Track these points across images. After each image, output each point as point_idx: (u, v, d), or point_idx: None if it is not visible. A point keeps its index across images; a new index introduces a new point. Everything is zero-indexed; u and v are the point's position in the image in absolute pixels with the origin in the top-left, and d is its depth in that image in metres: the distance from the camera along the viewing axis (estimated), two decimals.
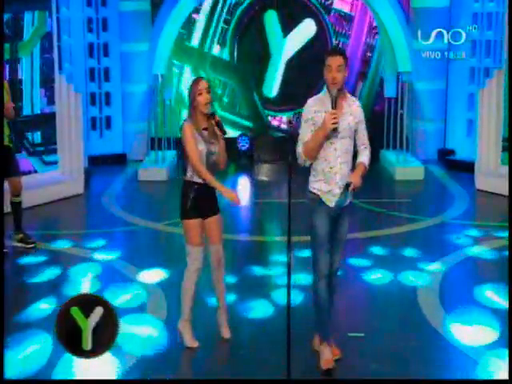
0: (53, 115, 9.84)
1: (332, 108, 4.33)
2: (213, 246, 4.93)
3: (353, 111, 4.47)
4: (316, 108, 4.44)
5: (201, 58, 12.67)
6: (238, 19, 12.54)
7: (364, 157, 4.57)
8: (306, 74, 12.29)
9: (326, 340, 4.59)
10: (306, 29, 12.49)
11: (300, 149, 4.43)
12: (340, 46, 12.21)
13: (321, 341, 4.62)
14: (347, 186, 4.38)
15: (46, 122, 9.78)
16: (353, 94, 11.75)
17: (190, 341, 4.86)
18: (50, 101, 9.82)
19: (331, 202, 4.46)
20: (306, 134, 4.44)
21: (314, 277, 4.54)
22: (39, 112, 9.68)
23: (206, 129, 4.78)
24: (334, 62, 4.32)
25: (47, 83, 9.78)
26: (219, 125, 4.76)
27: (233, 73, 12.68)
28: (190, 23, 12.49)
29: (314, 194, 4.48)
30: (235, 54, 12.70)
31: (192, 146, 4.70)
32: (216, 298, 5.06)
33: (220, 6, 12.53)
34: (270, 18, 12.54)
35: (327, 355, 4.55)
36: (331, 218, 4.48)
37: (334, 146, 4.41)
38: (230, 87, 12.70)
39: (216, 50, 12.69)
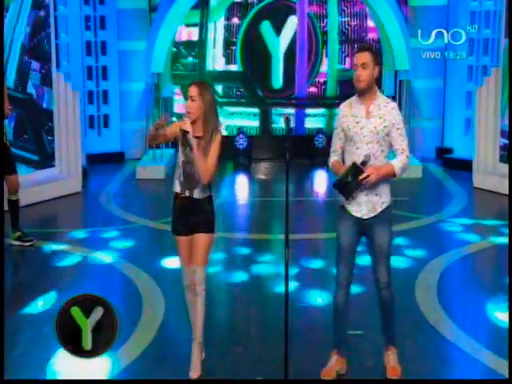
0: (27, 101, 9.24)
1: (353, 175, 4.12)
2: (191, 267, 4.45)
3: (383, 114, 4.21)
4: (344, 113, 4.30)
5: (216, 76, 12.98)
6: (241, 38, 12.88)
7: (396, 160, 4.23)
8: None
9: (335, 348, 4.49)
10: (291, 24, 12.86)
11: (329, 160, 4.35)
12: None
13: (333, 347, 4.51)
14: (357, 169, 4.10)
15: (21, 106, 9.05)
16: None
17: (192, 366, 4.44)
18: (33, 81, 9.27)
19: (355, 211, 4.26)
20: (335, 142, 4.34)
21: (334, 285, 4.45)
22: (12, 86, 8.83)
23: (198, 137, 4.35)
24: (359, 59, 4.16)
25: (35, 56, 9.28)
26: (185, 133, 4.30)
27: (243, 78, 13.01)
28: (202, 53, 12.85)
29: (342, 200, 4.31)
30: (244, 64, 12.93)
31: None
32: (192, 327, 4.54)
33: (223, 31, 12.92)
34: (266, 28, 12.86)
35: (329, 364, 4.45)
36: (358, 229, 4.28)
37: (360, 151, 4.20)
38: (241, 89, 13.08)
39: (228, 67, 13.02)
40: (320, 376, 4.42)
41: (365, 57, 4.16)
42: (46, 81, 9.67)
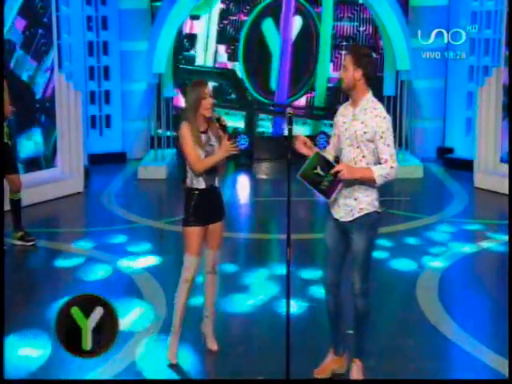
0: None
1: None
2: (210, 251, 4.73)
3: (365, 119, 4.10)
4: (339, 111, 4.32)
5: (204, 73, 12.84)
6: (244, 36, 12.75)
7: (378, 166, 4.08)
8: (301, 63, 12.67)
9: (332, 347, 4.50)
10: (295, 24, 12.75)
11: None
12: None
13: (330, 346, 4.53)
14: (323, 159, 4.08)
15: None
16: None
17: (170, 355, 4.64)
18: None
19: (335, 213, 4.25)
20: (332, 137, 4.38)
21: None
22: None
23: (204, 132, 4.60)
24: (344, 61, 4.17)
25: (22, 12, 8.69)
26: (223, 127, 4.60)
27: (233, 78, 12.86)
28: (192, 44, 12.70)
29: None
30: (247, 64, 12.82)
31: (190, 145, 4.52)
32: (204, 305, 4.79)
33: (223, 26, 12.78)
34: (268, 26, 12.76)
35: (324, 363, 4.47)
36: (341, 230, 4.26)
37: (344, 152, 4.19)
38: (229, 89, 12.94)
39: (230, 65, 12.89)
40: (313, 375, 4.42)
41: (345, 60, 4.15)
42: (29, 48, 9.08)
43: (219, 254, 4.78)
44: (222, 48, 12.83)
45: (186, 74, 12.64)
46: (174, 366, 4.59)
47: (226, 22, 12.76)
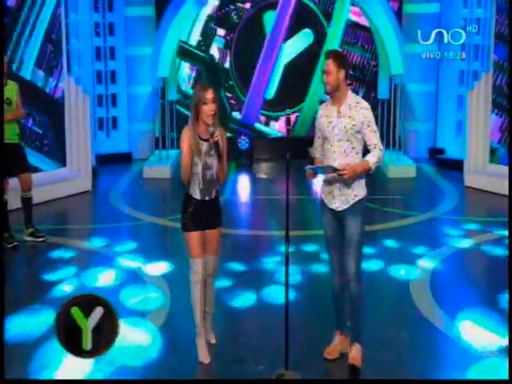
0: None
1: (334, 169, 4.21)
2: (208, 257, 4.58)
3: (352, 114, 4.27)
4: (321, 113, 4.43)
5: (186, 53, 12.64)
6: (241, 25, 12.52)
7: (370, 155, 4.29)
8: (302, 77, 12.47)
9: (338, 328, 4.59)
10: (304, 38, 12.56)
11: (311, 155, 4.47)
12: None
13: (335, 328, 4.61)
14: (334, 169, 4.18)
15: None
16: None
17: (201, 356, 4.51)
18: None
19: (331, 204, 4.36)
20: (315, 140, 4.48)
21: None
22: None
23: (207, 140, 4.37)
24: (324, 66, 4.29)
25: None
26: (216, 145, 4.35)
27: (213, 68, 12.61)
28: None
29: (320, 195, 4.46)
30: (236, 58, 12.65)
31: (185, 151, 4.32)
32: (204, 302, 4.61)
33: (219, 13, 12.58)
34: (269, 18, 12.50)
35: (333, 344, 4.56)
36: (338, 218, 4.36)
37: (333, 148, 4.31)
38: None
39: (218, 54, 12.67)
40: (324, 355, 4.49)
41: (327, 64, 4.27)
42: (40, 64, 9.28)
43: (216, 260, 4.65)
44: (221, 32, 12.51)
45: None
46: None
47: (231, 6, 12.43)
